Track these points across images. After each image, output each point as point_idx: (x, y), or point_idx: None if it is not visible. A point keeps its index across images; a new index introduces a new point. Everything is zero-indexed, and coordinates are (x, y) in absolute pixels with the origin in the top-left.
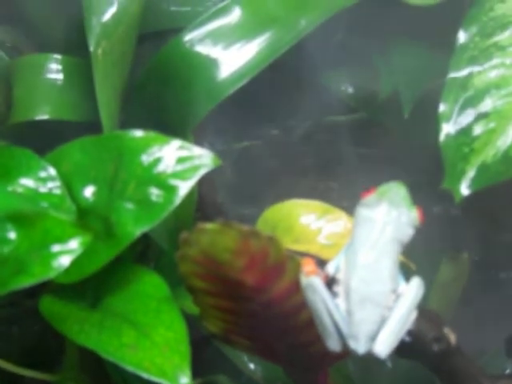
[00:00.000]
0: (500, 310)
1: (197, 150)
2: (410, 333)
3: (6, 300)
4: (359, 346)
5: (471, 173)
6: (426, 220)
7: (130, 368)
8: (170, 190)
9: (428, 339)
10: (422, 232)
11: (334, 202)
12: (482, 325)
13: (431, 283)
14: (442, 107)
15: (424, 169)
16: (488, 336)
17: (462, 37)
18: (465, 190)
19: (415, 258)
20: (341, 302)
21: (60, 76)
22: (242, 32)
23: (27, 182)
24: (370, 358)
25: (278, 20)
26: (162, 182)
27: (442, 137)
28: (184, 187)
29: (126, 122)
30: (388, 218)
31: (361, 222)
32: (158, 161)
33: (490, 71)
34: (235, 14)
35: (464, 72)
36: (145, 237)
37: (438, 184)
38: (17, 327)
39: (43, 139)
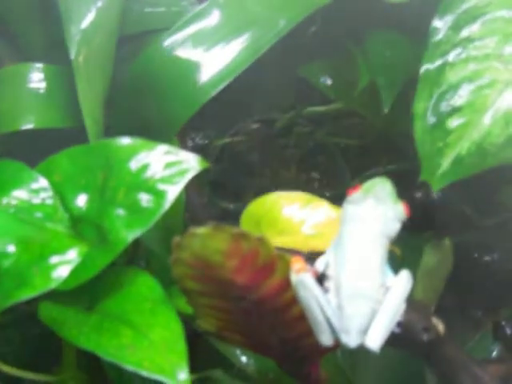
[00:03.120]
0: (485, 294)
1: (183, 155)
2: (399, 324)
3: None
4: (351, 340)
5: (446, 166)
6: (409, 207)
7: (130, 367)
8: (159, 195)
9: (417, 330)
10: (409, 219)
11: (316, 192)
12: (467, 309)
13: (415, 271)
14: (416, 104)
15: (403, 157)
16: (474, 320)
17: (435, 30)
18: (441, 182)
19: (399, 245)
20: (331, 297)
21: (43, 85)
22: (222, 34)
23: (20, 193)
24: (361, 349)
25: (257, 21)
26: (150, 187)
27: (417, 132)
28: (173, 191)
29: (111, 127)
30: (374, 213)
31: (348, 218)
32: (145, 167)
33: (462, 65)
34: (214, 17)
35: (437, 65)
36: (135, 240)
37: (417, 172)
38: (15, 331)
39: (30, 148)
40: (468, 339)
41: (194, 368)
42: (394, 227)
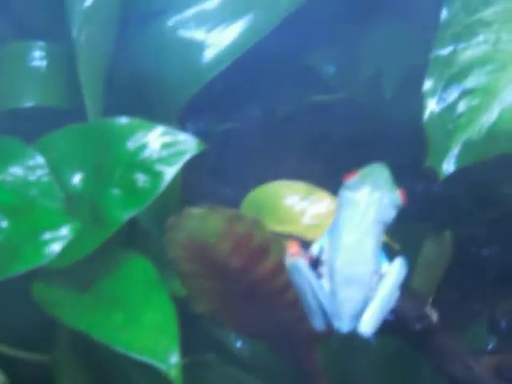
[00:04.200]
0: (483, 287)
1: (181, 136)
2: (393, 311)
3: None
4: (343, 325)
5: (456, 150)
6: (410, 199)
7: (120, 349)
8: (156, 176)
9: (410, 318)
10: (405, 210)
11: (318, 182)
12: (465, 302)
13: (415, 262)
14: (426, 84)
15: (406, 148)
16: (471, 313)
17: (445, 13)
18: (450, 167)
19: (399, 236)
20: (325, 282)
21: (43, 63)
22: (225, 15)
23: (16, 170)
24: (354, 335)
25: (259, 2)
26: (147, 167)
27: (426, 114)
28: (169, 172)
29: (110, 107)
30: (371, 199)
31: (344, 204)
32: (143, 147)
33: (474, 48)
34: None
35: (448, 49)
36: (131, 221)
37: (419, 163)
38: (8, 309)
39: (30, 127)
40: (466, 331)
41: (188, 352)
42: (390, 214)
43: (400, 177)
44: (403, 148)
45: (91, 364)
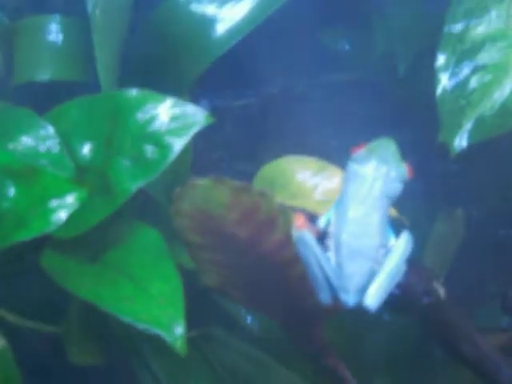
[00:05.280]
0: (498, 266)
1: (190, 108)
2: (399, 286)
3: (11, 255)
4: (349, 298)
5: (468, 125)
6: (424, 176)
7: (127, 319)
8: (165, 147)
9: (417, 292)
10: (421, 188)
11: (332, 159)
12: (479, 280)
13: (427, 238)
14: (439, 59)
15: (423, 126)
16: (485, 292)
17: None
18: (462, 142)
19: (411, 213)
20: (331, 255)
21: (60, 37)
22: None
23: (27, 140)
24: (364, 312)
25: None
26: (156, 139)
27: (438, 89)
28: (178, 144)
29: (125, 81)
30: (377, 173)
31: (351, 177)
32: (152, 118)
33: (486, 24)
34: None
35: (460, 25)
36: (143, 193)
37: (434, 140)
38: (21, 281)
39: (45, 99)
40: (479, 310)
41: (198, 325)
42: (396, 188)
43: (417, 156)
44: (420, 127)
45: (102, 335)
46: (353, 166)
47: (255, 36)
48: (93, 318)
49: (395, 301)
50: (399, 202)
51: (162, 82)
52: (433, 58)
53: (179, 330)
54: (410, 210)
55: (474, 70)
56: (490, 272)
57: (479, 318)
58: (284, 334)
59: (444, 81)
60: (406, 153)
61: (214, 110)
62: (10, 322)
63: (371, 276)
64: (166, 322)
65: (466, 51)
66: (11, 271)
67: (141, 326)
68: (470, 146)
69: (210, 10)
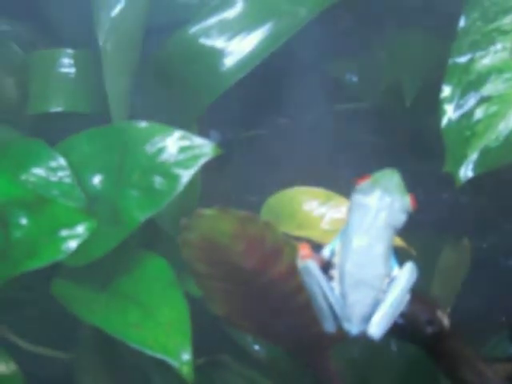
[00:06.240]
0: (505, 296)
1: (197, 140)
2: (403, 315)
3: (23, 283)
4: (353, 328)
5: (473, 156)
6: (430, 207)
7: (134, 345)
8: (173, 178)
9: (421, 322)
10: (429, 218)
11: (342, 189)
12: (486, 311)
13: (433, 269)
14: (444, 90)
15: (430, 156)
16: (494, 322)
17: (463, 21)
18: (467, 173)
19: (417, 244)
20: (335, 285)
21: (72, 70)
22: (245, 23)
23: (39, 171)
24: (369, 341)
25: (278, 11)
26: (165, 170)
27: (444, 120)
28: (186, 175)
29: (135, 113)
30: (381, 204)
31: (355, 207)
32: (161, 150)
33: (492, 55)
34: (237, 7)
35: (466, 56)
36: (152, 224)
37: (439, 170)
38: (34, 309)
39: (58, 131)
40: (486, 341)
41: (206, 353)
42: (400, 219)
43: (425, 186)
44: (427, 157)
45: (113, 363)
46: (357, 197)
47: (266, 68)
48: (104, 346)
49: (399, 330)
50: (406, 233)
51: (172, 113)
52: (439, 88)
53: (186, 356)
54: (417, 241)
55: (479, 102)
56: (497, 301)
57: (487, 347)
58: (291, 362)
59: (449, 112)
60: (412, 182)
61: (223, 141)
62: (22, 347)
63: (375, 305)
64: (173, 349)
65: (471, 82)
66: (23, 298)
67: (148, 351)
68: (476, 177)
69: (218, 43)
